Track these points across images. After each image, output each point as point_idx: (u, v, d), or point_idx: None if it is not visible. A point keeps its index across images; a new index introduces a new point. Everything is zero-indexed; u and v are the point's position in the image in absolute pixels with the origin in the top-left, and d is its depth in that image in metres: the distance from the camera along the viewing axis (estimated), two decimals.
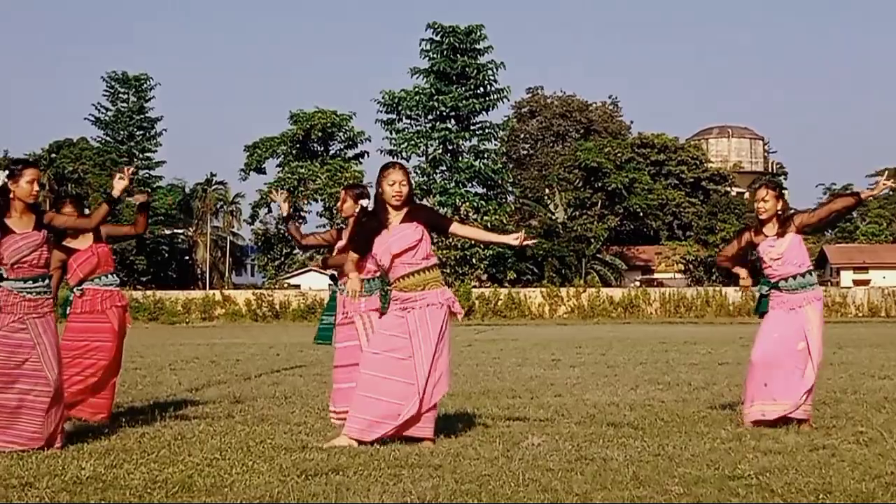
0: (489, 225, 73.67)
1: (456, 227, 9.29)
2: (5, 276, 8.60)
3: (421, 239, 8.83)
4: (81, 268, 10.52)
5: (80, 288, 10.53)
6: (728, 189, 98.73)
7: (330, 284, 10.92)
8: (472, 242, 71.98)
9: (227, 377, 16.70)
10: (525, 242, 8.95)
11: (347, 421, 8.80)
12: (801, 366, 9.80)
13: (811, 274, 9.98)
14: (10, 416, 8.47)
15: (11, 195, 8.60)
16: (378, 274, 9.69)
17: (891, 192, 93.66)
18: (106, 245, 10.73)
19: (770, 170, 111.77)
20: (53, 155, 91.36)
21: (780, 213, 9.85)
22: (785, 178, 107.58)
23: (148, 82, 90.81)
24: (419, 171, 75.71)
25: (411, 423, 8.71)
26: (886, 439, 8.79)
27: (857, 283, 79.68)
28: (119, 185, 9.07)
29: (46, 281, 8.82)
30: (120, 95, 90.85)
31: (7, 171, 8.64)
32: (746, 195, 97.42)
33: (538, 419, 10.47)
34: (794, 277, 9.81)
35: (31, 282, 8.63)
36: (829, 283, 79.94)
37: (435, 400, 8.84)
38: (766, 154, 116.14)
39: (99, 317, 10.50)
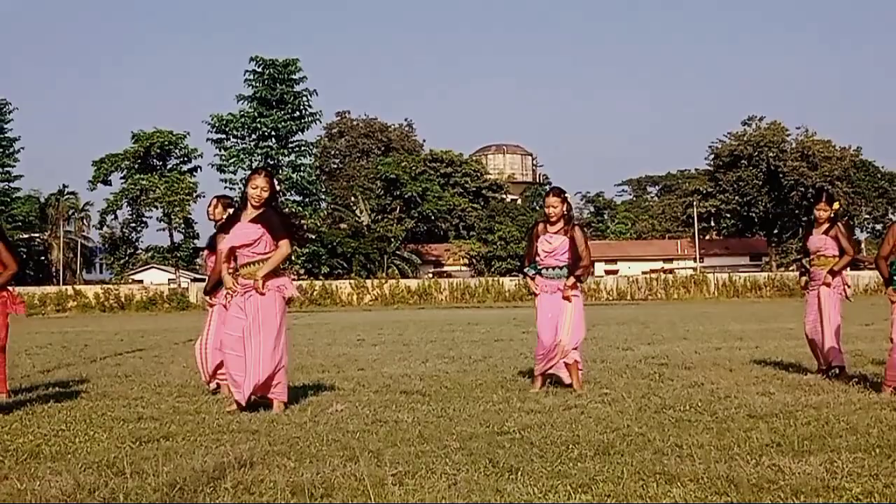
0: (306, 226, 73.70)
1: (282, 244, 8.81)
2: None
3: (260, 237, 8.73)
4: None
5: None
6: (504, 196, 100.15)
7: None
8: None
9: (76, 360, 16.19)
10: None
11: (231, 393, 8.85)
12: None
13: None
14: None
15: None
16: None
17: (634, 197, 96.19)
18: None
19: (538, 180, 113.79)
20: None
21: None
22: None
23: (7, 107, 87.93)
24: (245, 183, 74.73)
25: (266, 387, 8.75)
26: (626, 399, 9.05)
27: (608, 272, 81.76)
28: None
29: None
30: None
31: None
32: (519, 201, 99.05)
33: (342, 389, 10.47)
34: None
35: None
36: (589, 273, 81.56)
37: (281, 367, 8.87)
38: (534, 167, 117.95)
39: None
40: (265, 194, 8.83)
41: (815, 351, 11.34)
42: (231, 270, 8.93)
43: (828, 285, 11.04)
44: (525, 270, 10.36)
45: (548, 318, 10.07)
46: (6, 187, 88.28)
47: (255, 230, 8.73)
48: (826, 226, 11.19)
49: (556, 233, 10.11)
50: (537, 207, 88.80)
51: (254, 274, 8.73)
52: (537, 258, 10.20)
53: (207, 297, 10.37)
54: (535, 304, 10.31)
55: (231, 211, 9.72)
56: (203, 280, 62.13)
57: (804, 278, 11.65)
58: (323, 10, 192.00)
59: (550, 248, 10.08)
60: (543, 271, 10.17)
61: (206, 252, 10.52)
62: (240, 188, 58.07)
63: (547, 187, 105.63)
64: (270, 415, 8.39)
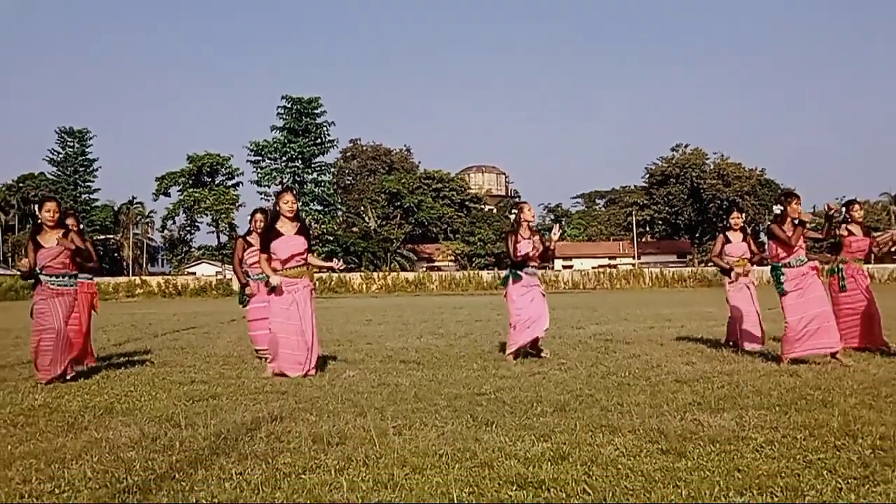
0: (325, 230, 73.89)
1: (309, 256, 9.28)
2: None
3: (307, 248, 9.09)
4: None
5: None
6: (483, 207, 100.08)
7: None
8: (314, 244, 71.87)
9: (142, 335, 16.12)
10: (340, 266, 9.19)
11: (274, 365, 8.81)
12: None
13: None
14: None
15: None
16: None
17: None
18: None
19: (510, 194, 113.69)
20: (21, 184, 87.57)
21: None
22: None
23: (88, 134, 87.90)
24: (276, 201, 74.98)
25: (308, 363, 8.77)
26: (578, 367, 9.05)
27: (565, 267, 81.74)
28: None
29: None
30: (68, 143, 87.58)
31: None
32: (494, 211, 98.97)
33: (354, 359, 10.44)
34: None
35: None
36: (546, 268, 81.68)
37: (317, 347, 9.00)
38: (507, 184, 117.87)
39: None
40: (294, 206, 9.16)
41: (738, 332, 11.15)
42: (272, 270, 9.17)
43: (747, 276, 11.17)
44: (516, 273, 10.25)
45: (530, 301, 10.17)
46: (87, 198, 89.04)
47: (301, 242, 9.06)
48: (741, 233, 11.31)
49: (528, 238, 10.30)
50: (509, 216, 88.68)
51: (305, 273, 9.07)
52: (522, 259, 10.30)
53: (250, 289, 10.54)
54: (514, 293, 10.20)
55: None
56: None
57: (734, 272, 11.40)
58: (340, 54, 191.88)
59: (533, 251, 10.26)
60: (526, 268, 10.28)
61: (252, 251, 10.54)
62: (273, 199, 58.06)
63: (517, 200, 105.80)
64: (296, 379, 8.38)
